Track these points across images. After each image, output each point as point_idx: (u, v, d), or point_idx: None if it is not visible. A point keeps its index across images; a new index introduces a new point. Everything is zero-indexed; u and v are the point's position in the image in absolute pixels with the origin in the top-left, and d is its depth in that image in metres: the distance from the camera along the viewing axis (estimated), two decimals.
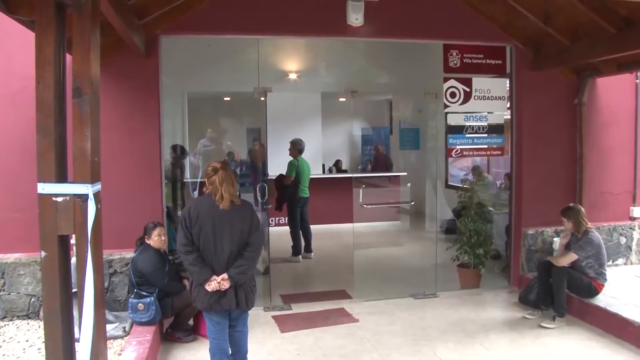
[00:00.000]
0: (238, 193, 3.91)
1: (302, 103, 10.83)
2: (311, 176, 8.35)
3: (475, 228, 6.48)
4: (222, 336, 3.88)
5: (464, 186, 6.84)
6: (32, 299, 5.27)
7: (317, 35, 6.21)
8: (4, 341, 4.74)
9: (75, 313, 3.17)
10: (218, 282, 3.65)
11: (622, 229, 6.88)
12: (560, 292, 5.33)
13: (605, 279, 5.48)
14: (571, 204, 5.82)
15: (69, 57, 3.02)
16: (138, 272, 4.75)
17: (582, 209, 5.71)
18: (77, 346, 3.02)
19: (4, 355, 4.44)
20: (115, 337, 4.76)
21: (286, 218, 8.47)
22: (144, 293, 4.74)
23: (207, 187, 3.81)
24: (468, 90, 6.33)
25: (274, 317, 5.60)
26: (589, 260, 5.43)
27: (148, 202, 5.47)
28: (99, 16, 3.17)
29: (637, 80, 6.86)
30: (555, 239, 6.36)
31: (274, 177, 8.16)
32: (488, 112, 6.47)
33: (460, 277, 6.63)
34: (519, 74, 6.46)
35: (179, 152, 7.79)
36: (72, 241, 3.11)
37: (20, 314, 5.26)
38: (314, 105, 11.14)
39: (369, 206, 7.53)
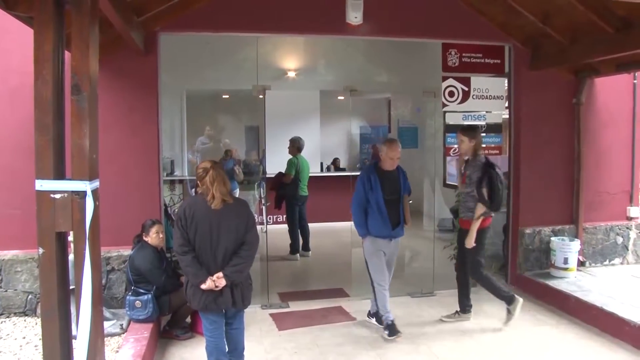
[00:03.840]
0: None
1: (300, 101, 10.82)
2: (309, 174, 8.35)
3: None
4: (219, 334, 3.88)
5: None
6: (30, 296, 5.27)
7: (316, 34, 6.21)
8: (0, 338, 4.74)
9: (73, 310, 3.17)
10: (213, 281, 3.66)
11: (619, 229, 6.89)
12: (486, 282, 5.22)
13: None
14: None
15: (67, 54, 3.02)
16: (135, 270, 4.75)
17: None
18: (75, 343, 3.03)
19: (0, 352, 4.44)
20: (112, 335, 4.76)
21: (284, 216, 8.47)
22: (142, 290, 4.75)
23: (199, 187, 3.81)
24: (466, 89, 6.34)
25: (271, 315, 5.60)
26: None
27: (146, 199, 5.47)
28: (98, 13, 3.17)
29: (635, 81, 6.87)
30: (552, 239, 6.37)
31: (272, 176, 8.17)
32: (486, 112, 6.48)
33: None
34: (517, 74, 6.47)
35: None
36: (70, 238, 3.11)
37: (18, 311, 5.26)
38: (313, 104, 11.13)
39: None
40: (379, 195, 4.96)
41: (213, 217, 3.69)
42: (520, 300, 5.13)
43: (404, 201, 5.17)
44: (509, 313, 5.16)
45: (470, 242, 5.09)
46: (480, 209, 5.06)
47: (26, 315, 5.26)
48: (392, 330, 4.92)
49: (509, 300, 5.15)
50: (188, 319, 5.07)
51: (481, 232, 5.14)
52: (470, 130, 5.36)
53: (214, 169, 3.76)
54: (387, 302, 5.05)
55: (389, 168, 5.09)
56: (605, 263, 6.82)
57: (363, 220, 5.03)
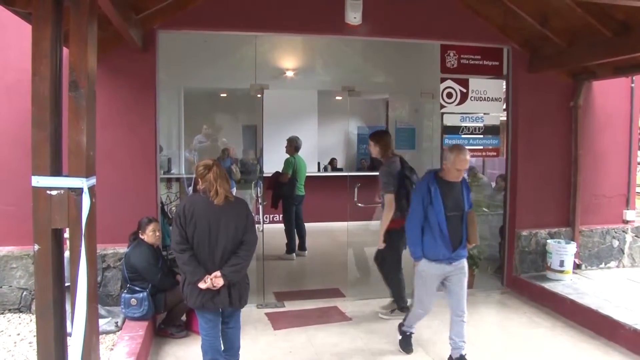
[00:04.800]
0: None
1: (298, 101, 10.83)
2: (306, 174, 8.35)
3: None
4: (215, 333, 3.87)
5: None
6: (24, 293, 5.25)
7: (314, 33, 6.20)
8: None
9: (68, 307, 3.16)
10: (211, 279, 3.65)
11: (615, 232, 6.91)
12: (393, 282, 5.48)
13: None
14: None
15: (65, 51, 3.01)
16: (131, 267, 4.74)
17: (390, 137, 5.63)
18: (69, 340, 3.01)
19: None
20: (107, 332, 4.75)
21: (280, 215, 8.46)
22: (137, 288, 4.73)
23: (200, 184, 3.80)
24: (465, 91, 6.34)
25: (267, 314, 5.60)
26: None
27: (143, 197, 5.46)
28: (97, 10, 3.16)
29: (632, 84, 6.89)
30: (548, 241, 6.39)
31: (269, 175, 8.16)
32: (484, 113, 6.49)
33: None
34: (515, 76, 6.47)
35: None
36: (66, 235, 3.10)
37: (12, 308, 5.24)
38: (311, 103, 11.14)
39: (364, 205, 7.53)
40: (440, 211, 4.22)
41: (212, 215, 3.68)
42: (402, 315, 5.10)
43: (469, 217, 4.45)
44: (392, 311, 5.51)
45: (379, 242, 5.35)
46: (389, 212, 5.26)
47: (21, 311, 5.24)
48: (405, 342, 4.72)
49: (400, 309, 5.46)
50: (183, 317, 5.06)
51: (392, 233, 5.27)
52: (375, 134, 5.66)
53: (217, 166, 3.78)
54: (417, 322, 4.70)
55: (453, 179, 4.33)
56: (601, 266, 6.84)
57: (419, 239, 4.32)
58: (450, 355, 4.37)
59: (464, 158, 4.20)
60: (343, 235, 6.38)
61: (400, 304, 5.52)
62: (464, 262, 4.42)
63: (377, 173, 5.63)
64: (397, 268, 5.51)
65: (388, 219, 5.28)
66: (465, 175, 8.07)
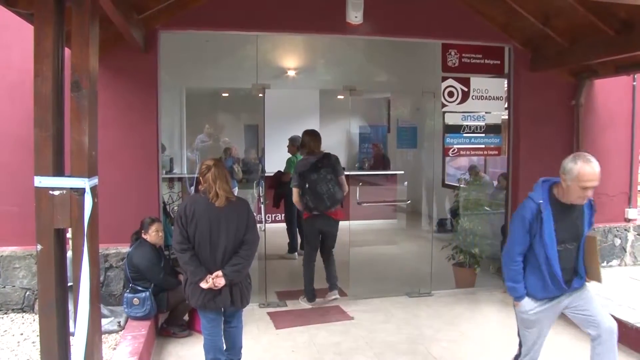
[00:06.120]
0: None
1: (300, 100, 10.81)
2: None
3: (471, 227, 6.50)
4: (217, 332, 3.88)
5: (461, 185, 6.85)
6: (27, 293, 5.27)
7: (316, 33, 6.20)
8: None
9: (71, 307, 3.17)
10: (212, 279, 3.66)
11: (617, 231, 6.90)
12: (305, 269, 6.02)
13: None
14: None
15: (67, 51, 3.01)
16: (134, 267, 4.75)
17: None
18: (72, 340, 3.02)
19: None
20: (110, 332, 4.77)
21: (282, 215, 8.46)
22: (140, 288, 4.74)
23: (202, 184, 3.82)
24: (466, 89, 6.33)
25: (269, 313, 5.61)
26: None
27: (145, 197, 5.47)
28: (98, 10, 3.17)
29: (634, 83, 6.89)
30: None
31: (271, 174, 8.16)
32: (486, 112, 6.47)
33: (455, 276, 6.65)
34: (517, 75, 6.47)
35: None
36: (68, 235, 3.11)
37: (15, 307, 5.26)
38: (312, 103, 11.12)
39: (366, 204, 7.54)
40: (550, 243, 3.26)
41: (213, 215, 3.69)
42: (310, 305, 5.84)
43: (588, 244, 3.48)
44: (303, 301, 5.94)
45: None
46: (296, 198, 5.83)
47: (24, 311, 5.26)
48: None
49: (310, 298, 5.93)
50: (186, 317, 5.08)
51: (305, 220, 6.01)
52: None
53: (216, 166, 3.77)
54: None
55: (575, 201, 3.32)
56: (603, 265, 6.83)
57: (521, 276, 3.41)
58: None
59: (593, 172, 3.18)
60: (345, 234, 6.38)
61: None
62: (585, 288, 3.56)
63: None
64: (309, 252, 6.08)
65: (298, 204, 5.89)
66: (467, 175, 8.08)
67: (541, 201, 3.31)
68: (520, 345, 3.68)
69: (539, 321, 3.46)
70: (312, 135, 6.01)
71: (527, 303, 3.42)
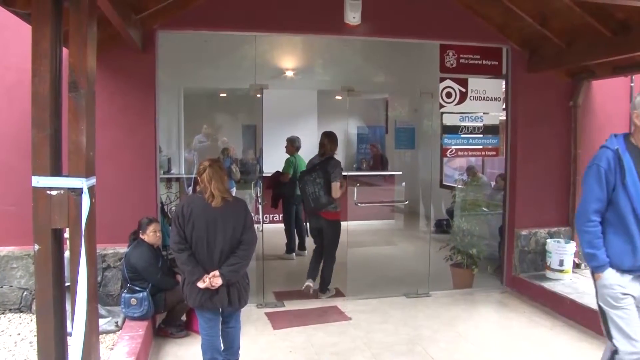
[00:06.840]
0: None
1: (298, 101, 10.81)
2: None
3: (469, 228, 6.51)
4: (214, 332, 3.88)
5: (458, 186, 6.86)
6: (25, 293, 5.26)
7: (314, 33, 6.21)
8: None
9: (68, 307, 3.16)
10: (209, 279, 3.66)
11: None
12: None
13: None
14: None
15: (65, 51, 3.01)
16: (131, 267, 4.74)
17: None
18: (69, 340, 3.02)
19: None
20: (107, 332, 4.76)
21: (280, 215, 8.47)
22: (137, 288, 4.74)
23: (199, 185, 3.82)
24: (464, 90, 6.34)
25: (266, 313, 5.61)
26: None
27: (142, 197, 5.46)
28: (96, 10, 3.16)
29: (632, 84, 6.89)
30: (548, 241, 6.39)
31: (269, 175, 8.16)
32: (483, 113, 6.48)
33: (453, 277, 6.65)
34: (514, 76, 6.48)
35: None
36: (66, 235, 3.11)
37: (13, 307, 5.25)
38: (310, 103, 11.12)
39: (363, 204, 7.54)
40: (636, 192, 2.81)
41: (210, 216, 3.69)
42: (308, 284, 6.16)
43: None
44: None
45: None
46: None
47: (21, 311, 5.24)
48: None
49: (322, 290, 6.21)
50: (183, 317, 5.07)
51: None
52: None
53: (211, 167, 3.77)
54: None
55: None
56: None
57: (600, 241, 2.97)
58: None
59: None
60: (343, 234, 6.38)
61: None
62: None
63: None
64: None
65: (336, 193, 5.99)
66: (465, 176, 8.10)
67: (618, 147, 2.89)
68: (609, 336, 3.05)
69: (625, 299, 2.93)
70: (329, 137, 6.18)
71: (611, 275, 2.94)
